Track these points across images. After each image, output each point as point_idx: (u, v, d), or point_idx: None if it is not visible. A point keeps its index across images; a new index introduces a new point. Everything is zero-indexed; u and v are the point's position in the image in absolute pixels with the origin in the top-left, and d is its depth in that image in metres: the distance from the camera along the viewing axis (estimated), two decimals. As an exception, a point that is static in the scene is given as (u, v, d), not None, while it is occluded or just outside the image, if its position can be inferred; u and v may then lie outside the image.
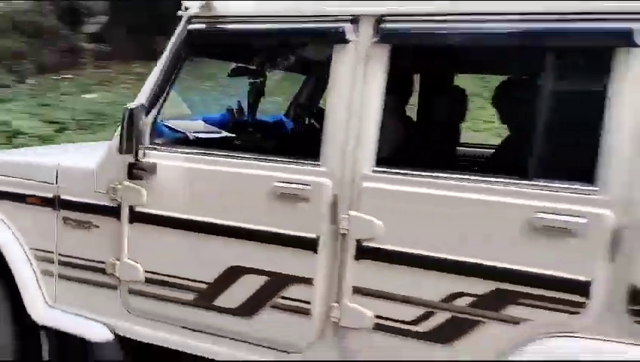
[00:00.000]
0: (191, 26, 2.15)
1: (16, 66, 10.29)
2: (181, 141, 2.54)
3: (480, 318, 1.75)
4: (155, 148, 2.23)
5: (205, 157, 2.16)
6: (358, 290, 1.88)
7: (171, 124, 2.70)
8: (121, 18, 11.89)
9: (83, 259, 2.41)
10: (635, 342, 1.57)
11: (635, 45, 1.52)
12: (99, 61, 11.28)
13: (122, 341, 2.37)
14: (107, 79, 10.78)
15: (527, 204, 1.66)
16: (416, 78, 3.02)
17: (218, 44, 2.35)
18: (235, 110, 3.16)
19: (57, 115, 8.19)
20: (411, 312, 1.84)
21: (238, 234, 2.06)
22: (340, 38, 1.88)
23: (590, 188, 1.60)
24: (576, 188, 1.62)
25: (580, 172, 1.63)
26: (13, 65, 10.29)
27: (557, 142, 1.73)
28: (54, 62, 11.05)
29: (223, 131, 3.00)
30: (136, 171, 2.21)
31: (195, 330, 2.22)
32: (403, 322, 1.85)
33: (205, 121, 3.13)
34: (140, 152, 2.18)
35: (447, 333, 1.81)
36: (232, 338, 2.16)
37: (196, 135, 2.74)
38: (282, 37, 2.13)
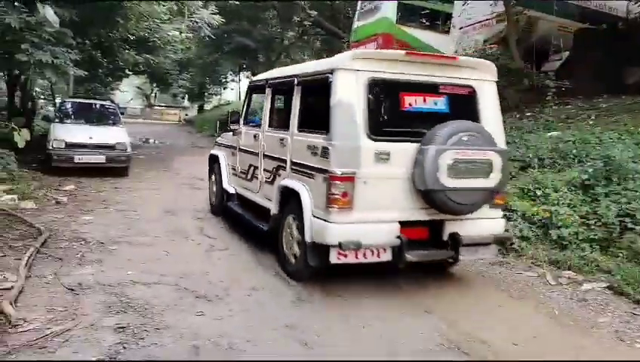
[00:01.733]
0: (250, 83, 8.20)
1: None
2: (251, 124, 7.28)
3: (278, 174, 5.81)
4: (244, 125, 7.30)
5: (250, 128, 7.07)
6: (263, 169, 6.31)
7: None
8: (584, 52, 11.59)
9: (233, 166, 7.54)
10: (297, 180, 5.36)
11: (297, 85, 5.65)
12: (561, 98, 11.27)
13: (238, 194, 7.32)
14: (569, 116, 10.49)
15: (281, 136, 5.81)
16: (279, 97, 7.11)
17: (257, 88, 7.30)
18: None
19: (520, 152, 8.31)
20: (267, 175, 6.17)
21: (252, 153, 6.72)
22: (263, 87, 6.85)
23: (287, 131, 5.70)
24: (287, 132, 5.71)
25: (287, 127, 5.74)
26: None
27: (280, 120, 6.57)
28: (517, 101, 11.79)
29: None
30: (234, 133, 7.45)
31: (244, 188, 7.04)
32: (265, 178, 6.21)
33: None
34: (237, 126, 7.34)
35: (272, 180, 5.96)
36: (250, 191, 6.77)
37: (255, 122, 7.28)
38: (263, 85, 6.85)
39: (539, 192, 6.87)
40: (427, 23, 16.65)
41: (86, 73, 12.04)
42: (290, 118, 5.63)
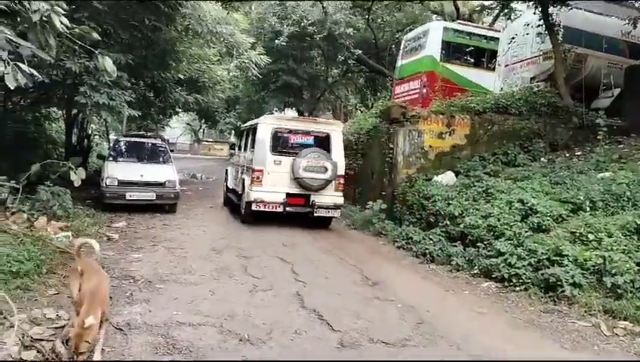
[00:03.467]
0: (240, 128, 16.62)
1: (530, 145, 11.35)
2: (240, 150, 13.35)
3: (242, 173, 12.00)
4: (237, 150, 13.92)
5: (239, 152, 13.43)
6: (240, 172, 12.58)
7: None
8: (637, 89, 11.23)
9: (232, 174, 13.83)
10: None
11: (249, 129, 12.42)
12: (612, 136, 10.91)
13: (233, 189, 13.51)
14: (622, 156, 10.08)
15: (245, 155, 12.38)
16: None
17: (242, 131, 14.08)
18: None
19: (571, 194, 8.09)
20: (240, 175, 12.19)
21: (238, 165, 13.00)
22: (243, 130, 13.79)
23: (246, 152, 12.40)
24: (246, 152, 12.43)
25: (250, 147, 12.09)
26: (527, 144, 11.43)
27: (246, 146, 12.90)
28: (566, 140, 11.53)
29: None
30: (232, 155, 15.05)
31: (235, 185, 13.01)
32: (240, 177, 12.30)
33: None
34: (234, 152, 14.60)
35: (241, 177, 11.98)
36: (236, 185, 12.79)
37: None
38: (243, 129, 13.95)
39: (591, 237, 6.64)
40: (472, 61, 16.65)
41: (139, 113, 12.55)
42: (247, 145, 12.12)
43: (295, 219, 11.14)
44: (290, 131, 11.18)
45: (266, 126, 10.98)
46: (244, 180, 11.32)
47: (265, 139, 10.77)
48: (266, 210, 10.56)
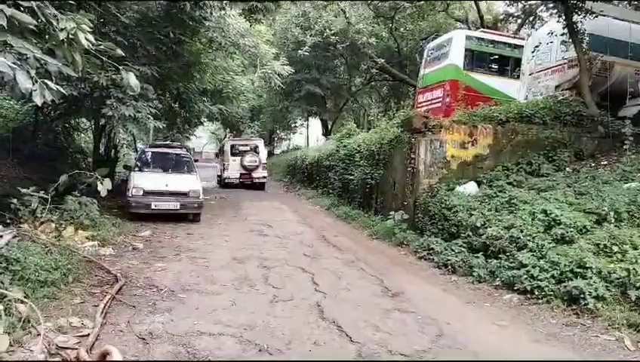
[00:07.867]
0: (221, 144, 35.66)
1: (555, 155, 11.15)
2: (221, 155, 27.75)
3: (221, 166, 27.22)
4: (221, 156, 27.48)
5: (221, 156, 27.57)
6: (221, 166, 26.97)
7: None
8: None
9: (220, 167, 27.26)
10: None
11: (223, 146, 29.96)
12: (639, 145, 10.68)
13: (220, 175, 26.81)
14: (650, 166, 9.83)
15: (221, 158, 27.62)
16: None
17: (221, 146, 30.88)
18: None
19: (595, 204, 7.84)
20: (221, 167, 26.88)
21: (222, 162, 26.68)
22: (224, 144, 29.36)
23: (223, 156, 26.32)
24: (222, 157, 27.22)
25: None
26: (552, 154, 11.24)
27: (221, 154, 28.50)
28: (592, 149, 11.32)
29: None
30: (219, 157, 30.42)
31: (221, 172, 26.54)
32: (221, 168, 27.07)
33: None
34: (218, 156, 31.84)
35: (221, 168, 27.29)
36: (221, 172, 26.39)
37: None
38: (221, 146, 32.40)
39: (615, 248, 6.52)
40: (496, 69, 16.55)
41: (164, 125, 12.81)
42: (223, 152, 26.36)
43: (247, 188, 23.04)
44: (239, 144, 24.41)
45: (227, 143, 25.01)
46: (221, 169, 25.02)
47: (228, 149, 23.99)
48: (231, 181, 23.58)
